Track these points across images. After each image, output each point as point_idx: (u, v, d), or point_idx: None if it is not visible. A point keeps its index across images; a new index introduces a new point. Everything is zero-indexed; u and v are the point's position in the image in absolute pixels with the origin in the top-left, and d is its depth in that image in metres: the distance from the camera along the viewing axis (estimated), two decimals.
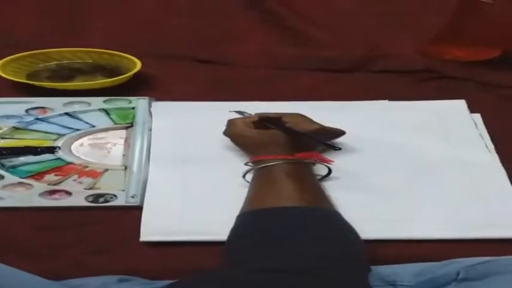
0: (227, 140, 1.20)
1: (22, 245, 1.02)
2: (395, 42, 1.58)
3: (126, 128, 1.29)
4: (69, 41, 1.55)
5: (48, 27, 1.62)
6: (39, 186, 1.14)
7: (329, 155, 1.14)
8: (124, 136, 1.27)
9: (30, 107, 1.34)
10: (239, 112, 1.25)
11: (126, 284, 0.94)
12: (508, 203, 1.10)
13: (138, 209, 1.09)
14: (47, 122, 1.31)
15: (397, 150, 1.22)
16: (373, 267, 0.94)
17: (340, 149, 1.15)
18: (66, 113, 1.33)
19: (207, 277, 0.85)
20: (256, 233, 0.95)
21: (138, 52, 1.48)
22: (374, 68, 1.51)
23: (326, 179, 1.13)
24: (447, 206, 1.10)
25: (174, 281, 0.89)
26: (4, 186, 1.14)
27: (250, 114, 1.23)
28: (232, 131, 1.19)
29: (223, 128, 1.20)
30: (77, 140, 1.26)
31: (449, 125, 1.29)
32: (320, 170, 1.13)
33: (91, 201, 1.11)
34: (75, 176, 1.16)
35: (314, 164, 1.12)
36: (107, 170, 1.18)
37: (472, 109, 1.33)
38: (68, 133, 1.28)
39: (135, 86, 1.42)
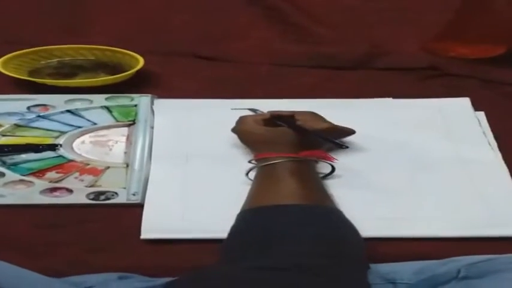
0: (230, 137, 1.19)
1: (23, 243, 1.02)
2: (399, 39, 1.58)
3: (128, 125, 1.29)
4: (71, 37, 1.55)
5: (50, 24, 1.62)
6: (40, 183, 1.13)
7: (335, 154, 1.13)
8: (126, 134, 1.27)
9: (31, 104, 1.34)
10: (251, 110, 1.25)
11: (126, 281, 0.93)
12: (510, 201, 1.10)
13: (139, 206, 1.08)
14: (48, 119, 1.30)
15: (400, 148, 1.21)
16: (372, 265, 0.94)
17: (347, 147, 1.15)
18: (68, 111, 1.33)
19: (205, 275, 0.84)
20: (256, 230, 0.94)
21: (141, 49, 1.48)
22: (377, 65, 1.50)
23: (329, 177, 1.12)
24: (449, 204, 1.09)
25: (174, 278, 0.89)
26: (5, 184, 1.13)
27: (262, 112, 1.23)
28: (241, 128, 1.18)
29: (226, 125, 1.20)
30: (78, 137, 1.26)
31: (452, 123, 1.29)
32: (324, 168, 1.12)
33: (92, 199, 1.11)
34: (77, 174, 1.16)
35: (317, 162, 1.11)
36: (108, 167, 1.18)
37: (476, 107, 1.32)
38: (70, 130, 1.27)
39: (137, 83, 1.41)
